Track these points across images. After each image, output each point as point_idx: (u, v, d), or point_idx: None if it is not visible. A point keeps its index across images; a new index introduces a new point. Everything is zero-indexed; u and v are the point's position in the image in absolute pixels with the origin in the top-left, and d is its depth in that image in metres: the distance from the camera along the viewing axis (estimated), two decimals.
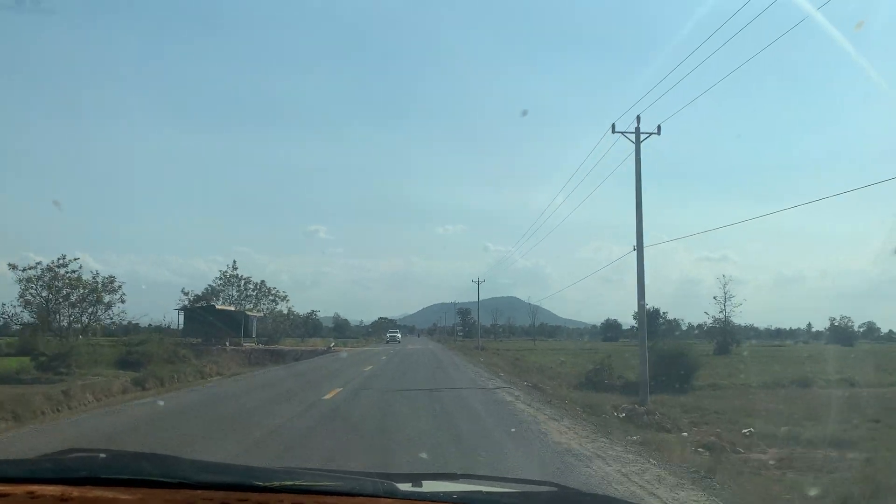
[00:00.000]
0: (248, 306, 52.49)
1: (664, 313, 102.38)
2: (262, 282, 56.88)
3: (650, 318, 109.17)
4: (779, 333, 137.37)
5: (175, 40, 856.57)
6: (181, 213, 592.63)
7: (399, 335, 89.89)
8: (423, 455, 8.74)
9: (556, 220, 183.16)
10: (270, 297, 56.05)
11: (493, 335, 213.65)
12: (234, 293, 53.42)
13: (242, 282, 54.82)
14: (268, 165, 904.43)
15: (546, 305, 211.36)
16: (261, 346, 44.64)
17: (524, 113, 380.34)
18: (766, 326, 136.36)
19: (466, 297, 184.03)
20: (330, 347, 45.60)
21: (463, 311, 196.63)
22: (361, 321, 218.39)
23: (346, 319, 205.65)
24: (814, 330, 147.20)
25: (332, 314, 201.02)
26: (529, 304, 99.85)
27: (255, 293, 55.04)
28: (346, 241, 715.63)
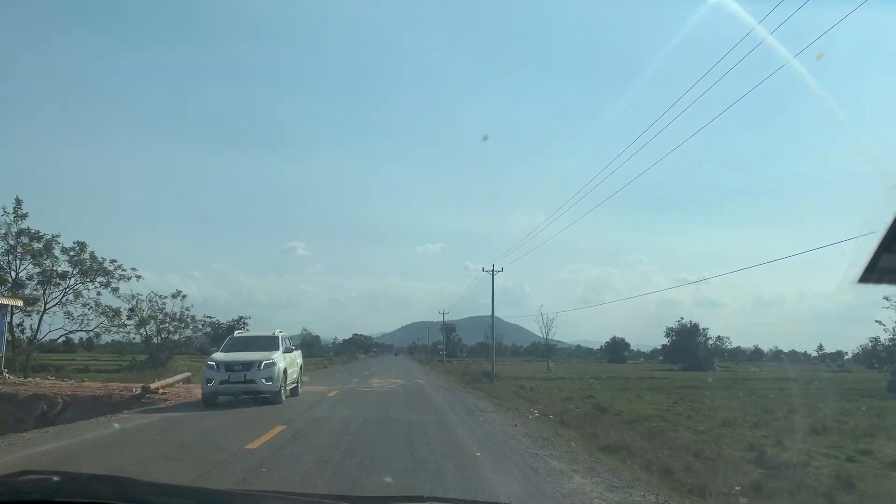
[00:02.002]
0: (52, 294, 27.01)
1: (704, 329, 79.95)
2: (82, 244, 28.21)
3: (687, 335, 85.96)
4: None
5: (156, 60, 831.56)
6: (156, 229, 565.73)
7: (273, 366, 17.71)
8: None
9: (537, 242, 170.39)
10: (103, 276, 29.36)
11: (479, 355, 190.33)
12: (32, 268, 26.53)
13: (42, 242, 26.46)
14: (246, 183, 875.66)
15: (525, 325, 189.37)
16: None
17: (485, 138, 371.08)
18: None
19: (446, 316, 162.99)
20: (147, 391, 18.90)
21: (448, 328, 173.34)
22: (336, 338, 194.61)
23: (317, 336, 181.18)
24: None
25: (300, 331, 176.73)
26: (539, 321, 77.10)
27: (78, 270, 27.48)
28: (325, 259, 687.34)
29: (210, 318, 46.30)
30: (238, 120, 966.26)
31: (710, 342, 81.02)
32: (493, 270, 36.51)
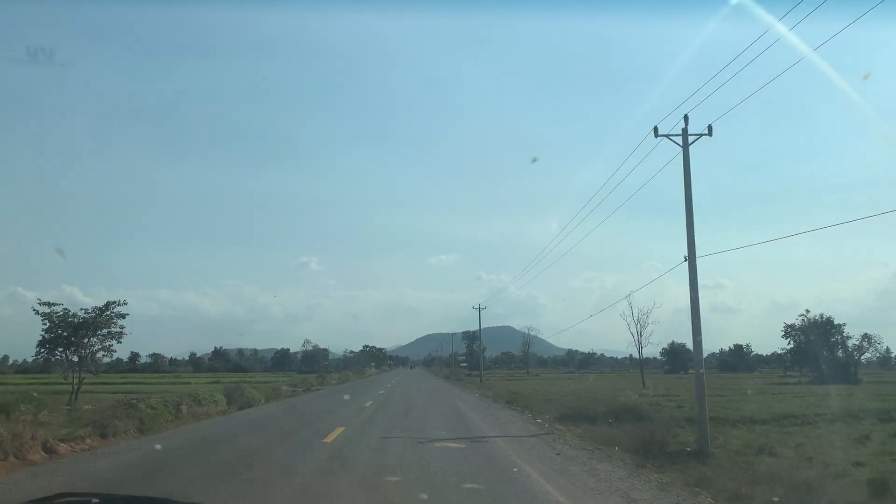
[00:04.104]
0: None
1: (840, 325, 55.21)
2: None
3: (821, 330, 59.38)
4: None
5: (166, 76, 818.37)
6: (171, 247, 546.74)
7: None
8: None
9: (552, 252, 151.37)
10: None
11: (503, 366, 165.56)
12: None
13: None
14: (257, 199, 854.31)
15: (537, 333, 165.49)
16: None
17: (534, 160, 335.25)
18: None
19: (462, 327, 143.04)
20: None
21: (470, 337, 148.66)
22: (346, 350, 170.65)
23: (325, 349, 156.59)
24: None
25: (302, 343, 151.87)
26: (628, 319, 51.56)
27: None
28: (338, 273, 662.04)
29: (48, 305, 22.52)
30: (246, 135, 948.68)
31: (851, 343, 55.95)
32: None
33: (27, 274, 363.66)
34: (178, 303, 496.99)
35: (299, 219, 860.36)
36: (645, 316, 52.01)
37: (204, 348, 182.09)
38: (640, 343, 52.92)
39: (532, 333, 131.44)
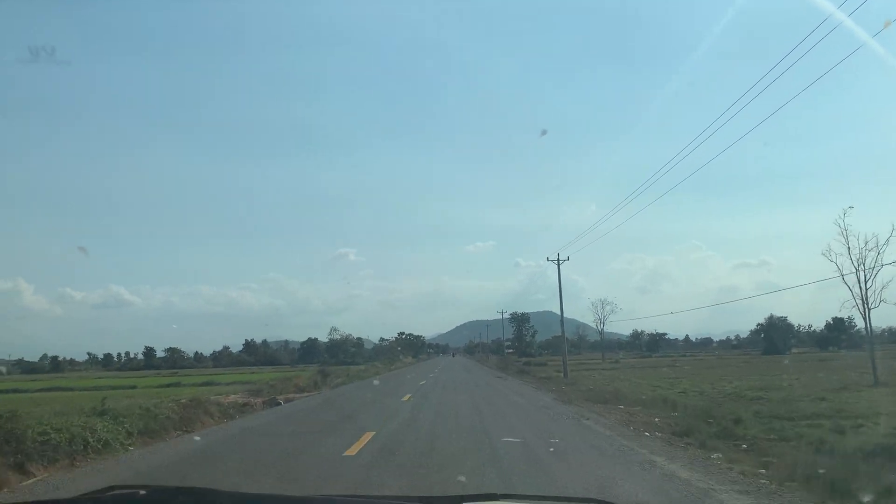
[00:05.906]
0: None
1: None
2: None
3: None
4: None
5: (196, 70, 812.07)
6: (212, 243, 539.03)
7: None
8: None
9: (592, 233, 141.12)
10: None
11: (556, 352, 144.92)
12: None
13: None
14: (295, 192, 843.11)
15: (581, 318, 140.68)
16: None
17: (543, 132, 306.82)
18: None
19: (504, 311, 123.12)
20: None
21: (519, 319, 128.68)
22: (381, 339, 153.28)
23: (358, 338, 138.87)
24: None
25: (328, 332, 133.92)
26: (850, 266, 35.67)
27: None
28: (376, 263, 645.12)
29: None
30: (283, 128, 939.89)
31: None
32: None
33: (73, 275, 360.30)
34: (221, 298, 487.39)
35: (336, 211, 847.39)
36: (873, 253, 29.23)
37: (240, 343, 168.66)
38: (865, 300, 30.17)
39: (607, 310, 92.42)
